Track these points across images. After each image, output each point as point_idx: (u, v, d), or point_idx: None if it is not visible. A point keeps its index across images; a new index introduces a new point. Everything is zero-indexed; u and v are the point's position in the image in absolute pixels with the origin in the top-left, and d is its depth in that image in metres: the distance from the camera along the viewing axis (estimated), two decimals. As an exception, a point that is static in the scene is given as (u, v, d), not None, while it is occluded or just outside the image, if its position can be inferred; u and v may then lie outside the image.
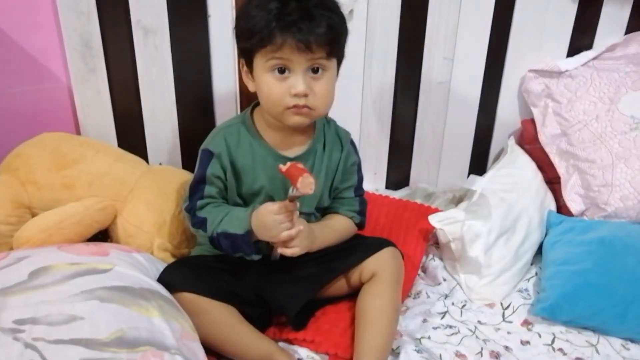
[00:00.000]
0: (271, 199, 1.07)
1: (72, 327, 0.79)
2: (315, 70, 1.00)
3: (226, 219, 1.04)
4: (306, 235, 1.02)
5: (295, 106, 1.00)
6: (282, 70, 0.99)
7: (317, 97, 1.01)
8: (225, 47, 1.36)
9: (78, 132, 1.40)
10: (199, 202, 1.08)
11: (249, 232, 1.02)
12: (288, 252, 1.00)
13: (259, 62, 1.00)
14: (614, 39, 1.42)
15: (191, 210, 1.08)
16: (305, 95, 0.99)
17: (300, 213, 1.11)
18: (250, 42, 0.99)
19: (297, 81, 0.99)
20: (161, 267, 1.09)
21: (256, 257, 1.05)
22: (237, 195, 1.10)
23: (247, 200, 1.10)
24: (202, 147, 1.09)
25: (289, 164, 0.97)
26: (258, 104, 1.11)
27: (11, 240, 1.14)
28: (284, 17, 0.95)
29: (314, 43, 0.96)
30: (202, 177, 1.07)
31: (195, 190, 1.08)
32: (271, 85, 1.00)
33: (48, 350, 0.75)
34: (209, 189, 1.08)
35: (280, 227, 0.98)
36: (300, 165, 0.96)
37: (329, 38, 0.98)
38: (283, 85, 0.99)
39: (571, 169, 1.39)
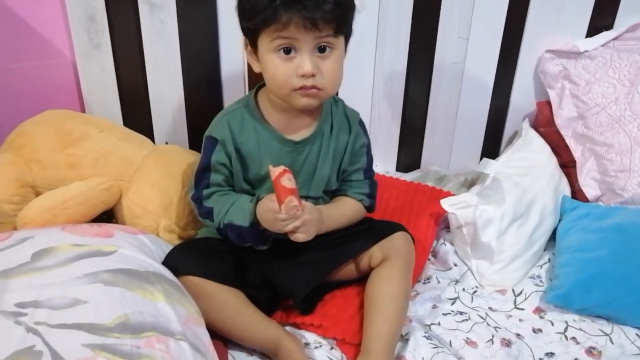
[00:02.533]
0: None
1: (75, 311, 0.77)
2: (322, 49, 0.97)
3: (232, 210, 1.02)
4: (314, 221, 0.99)
5: (302, 87, 0.97)
6: (287, 51, 0.95)
7: (325, 76, 0.98)
8: (233, 22, 1.28)
9: (83, 110, 1.38)
10: (205, 192, 1.05)
11: (254, 224, 0.99)
12: (294, 237, 0.97)
13: (264, 42, 0.97)
14: (636, 19, 1.37)
15: (198, 199, 1.06)
16: (313, 76, 0.96)
17: (308, 197, 1.09)
18: (253, 21, 0.95)
19: (304, 61, 0.95)
20: (167, 249, 1.07)
21: (264, 247, 1.03)
22: (243, 181, 1.07)
23: (254, 185, 1.08)
24: (206, 133, 1.07)
25: (277, 171, 0.92)
26: (263, 85, 1.08)
27: (15, 219, 1.12)
28: None
29: (320, 20, 0.92)
30: (207, 164, 1.05)
31: (201, 178, 1.06)
32: (277, 66, 0.97)
33: (50, 335, 0.73)
34: (214, 177, 1.05)
35: (282, 223, 0.95)
36: (284, 182, 0.92)
37: (336, 15, 0.94)
38: (289, 65, 0.96)
39: (587, 153, 1.35)
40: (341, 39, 0.99)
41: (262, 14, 0.93)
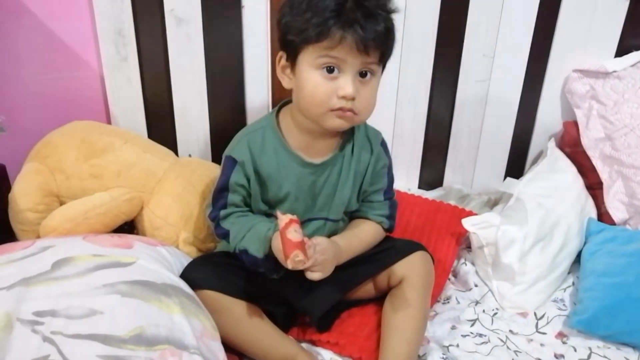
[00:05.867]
0: (297, 203, 1.05)
1: (91, 321, 0.78)
2: (363, 75, 0.96)
3: (248, 237, 1.00)
4: (329, 260, 0.96)
5: (340, 109, 0.96)
6: (331, 70, 0.94)
7: (363, 102, 0.96)
8: (258, 38, 1.33)
9: (108, 121, 1.40)
10: (222, 212, 1.04)
11: (268, 256, 0.97)
12: (309, 275, 0.95)
13: (307, 57, 0.95)
14: (667, 40, 1.35)
15: (215, 219, 1.05)
16: (353, 99, 0.95)
17: (328, 219, 1.09)
18: (302, 35, 0.93)
19: (347, 83, 0.94)
20: (186, 261, 1.07)
21: (276, 276, 1.00)
22: (261, 201, 1.06)
23: (272, 205, 1.06)
24: (226, 153, 1.05)
25: (283, 221, 0.90)
26: (285, 104, 1.08)
27: (38, 228, 1.14)
28: (344, 14, 0.91)
29: (372, 44, 0.92)
30: (225, 185, 1.04)
31: (219, 197, 1.05)
32: (318, 84, 0.95)
33: (66, 345, 0.73)
34: (232, 197, 1.04)
35: (295, 263, 0.92)
36: (290, 234, 0.89)
37: (386, 40, 0.95)
38: (330, 85, 0.94)
39: (615, 175, 1.32)
40: (380, 68, 0.99)
41: (314, 29, 0.91)
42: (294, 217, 0.91)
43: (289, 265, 0.89)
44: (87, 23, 1.30)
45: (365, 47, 0.92)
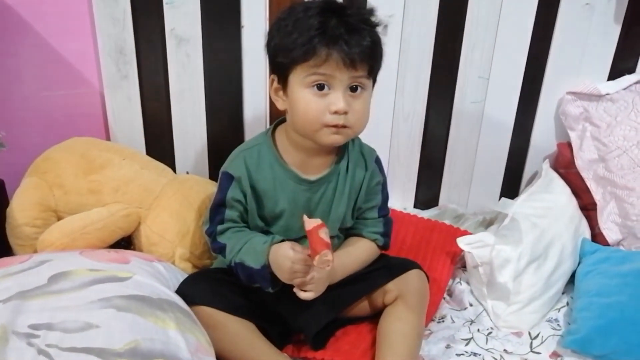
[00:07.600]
0: (292, 220, 1.06)
1: (86, 335, 0.78)
2: (354, 89, 0.97)
3: (244, 249, 1.02)
4: (323, 279, 0.98)
5: (334, 125, 0.97)
6: (321, 87, 0.96)
7: (355, 115, 0.98)
8: (257, 57, 1.35)
9: (108, 138, 1.41)
10: (220, 227, 1.05)
11: (266, 267, 0.98)
12: (301, 295, 0.97)
13: (297, 77, 0.97)
14: (659, 63, 1.37)
15: (212, 234, 1.07)
16: (345, 113, 0.96)
17: None
18: (290, 56, 0.95)
19: (338, 98, 0.95)
20: (181, 277, 1.08)
21: (272, 290, 1.01)
22: (258, 217, 1.07)
23: (268, 222, 1.08)
24: (222, 169, 1.07)
25: (313, 223, 0.93)
26: (280, 122, 1.09)
27: (35, 242, 1.14)
28: (328, 31, 0.93)
29: (358, 58, 0.94)
30: (222, 200, 1.05)
31: (216, 213, 1.06)
32: (309, 102, 0.96)
33: (61, 358, 0.73)
34: (229, 213, 1.05)
35: (294, 274, 0.95)
36: (322, 234, 0.92)
37: (373, 53, 0.96)
38: (322, 102, 0.96)
39: (608, 196, 1.33)
40: (370, 82, 1.01)
41: (301, 48, 0.93)
42: (323, 222, 0.93)
43: (316, 262, 0.91)
44: (88, 41, 1.32)
45: (352, 62, 0.94)
